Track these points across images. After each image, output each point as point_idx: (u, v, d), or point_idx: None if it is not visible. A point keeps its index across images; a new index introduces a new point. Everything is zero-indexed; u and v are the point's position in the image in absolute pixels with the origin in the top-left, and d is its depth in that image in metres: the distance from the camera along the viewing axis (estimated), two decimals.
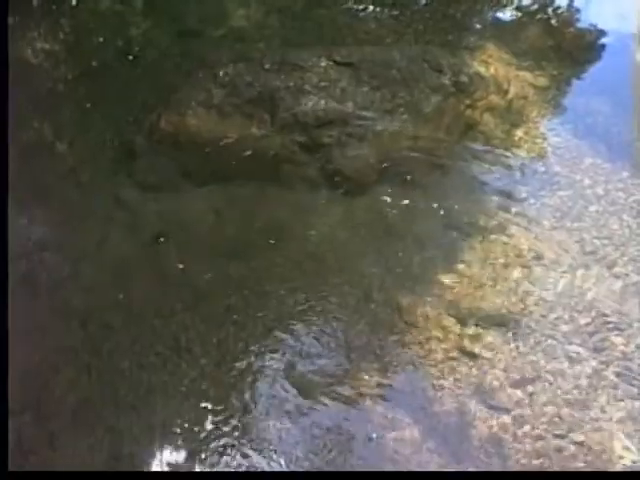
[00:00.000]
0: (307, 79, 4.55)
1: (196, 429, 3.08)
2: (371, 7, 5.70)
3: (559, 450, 3.04)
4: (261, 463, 2.98)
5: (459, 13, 5.74)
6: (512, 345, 3.43)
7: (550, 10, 5.83)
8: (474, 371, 3.32)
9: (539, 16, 5.77)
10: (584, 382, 3.28)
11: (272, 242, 3.89)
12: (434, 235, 3.97)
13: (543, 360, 3.37)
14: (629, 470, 2.97)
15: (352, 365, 3.33)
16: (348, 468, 2.98)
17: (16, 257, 3.59)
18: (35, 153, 4.37)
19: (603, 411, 3.17)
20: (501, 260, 3.82)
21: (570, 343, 3.44)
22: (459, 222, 4.02)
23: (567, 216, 4.08)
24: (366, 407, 3.18)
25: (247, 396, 3.21)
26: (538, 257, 3.84)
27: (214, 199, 4.13)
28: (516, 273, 3.76)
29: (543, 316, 3.56)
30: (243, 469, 2.97)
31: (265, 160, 4.31)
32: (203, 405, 3.17)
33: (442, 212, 4.07)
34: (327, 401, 3.19)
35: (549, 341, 3.45)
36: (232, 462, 2.98)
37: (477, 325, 3.50)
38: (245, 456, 3.00)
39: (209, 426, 3.10)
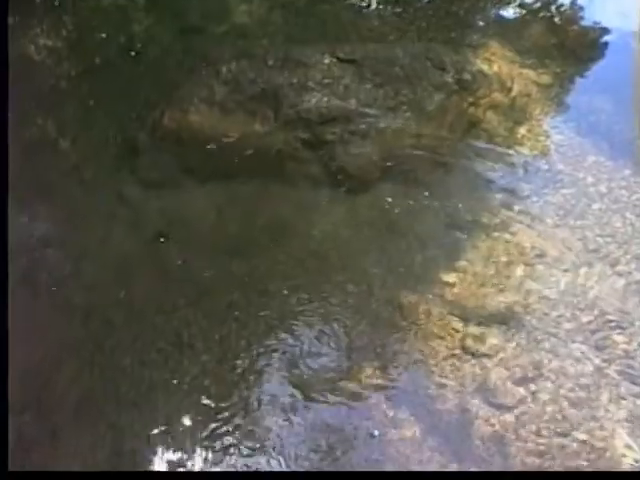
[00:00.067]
0: (310, 76, 4.54)
1: (197, 426, 3.09)
2: (374, 4, 5.69)
3: (561, 448, 3.04)
4: (261, 462, 2.98)
5: (462, 10, 5.73)
6: (514, 343, 3.43)
7: (553, 8, 5.81)
8: (476, 369, 3.32)
9: (542, 14, 5.75)
10: (586, 380, 3.28)
11: (274, 239, 3.88)
12: (437, 233, 3.97)
13: (545, 358, 3.37)
14: (630, 470, 2.97)
15: (354, 363, 3.33)
16: (349, 467, 2.98)
17: (18, 254, 3.59)
18: (38, 150, 4.36)
19: (605, 409, 3.17)
20: (504, 258, 3.82)
21: (572, 341, 3.44)
22: (462, 220, 4.02)
23: (570, 214, 4.08)
24: (368, 405, 3.18)
25: (249, 393, 3.22)
26: (541, 255, 3.83)
27: (217, 196, 4.13)
28: (519, 271, 3.76)
29: (545, 314, 3.55)
30: (243, 467, 2.97)
31: (268, 157, 4.31)
32: (205, 402, 3.17)
33: (445, 210, 4.06)
34: (328, 399, 3.20)
35: (551, 339, 3.44)
36: (232, 460, 2.98)
37: (479, 323, 3.49)
38: (245, 454, 3.00)
39: (210, 423, 3.10)
